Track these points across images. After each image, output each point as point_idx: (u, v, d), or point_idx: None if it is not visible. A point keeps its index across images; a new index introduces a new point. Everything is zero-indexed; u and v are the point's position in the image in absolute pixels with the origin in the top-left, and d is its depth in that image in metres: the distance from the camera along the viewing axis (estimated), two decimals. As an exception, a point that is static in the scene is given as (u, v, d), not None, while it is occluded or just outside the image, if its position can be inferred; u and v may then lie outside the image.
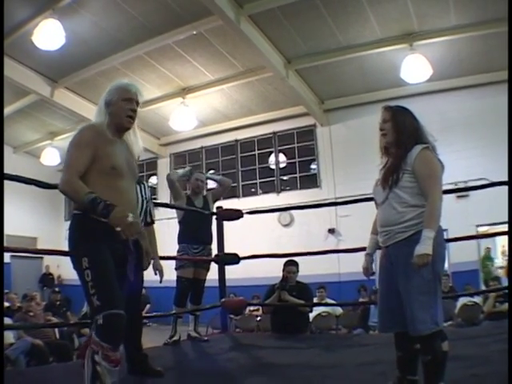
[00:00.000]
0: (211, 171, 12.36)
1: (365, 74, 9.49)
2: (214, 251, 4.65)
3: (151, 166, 13.36)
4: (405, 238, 2.21)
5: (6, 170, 2.85)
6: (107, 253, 2.00)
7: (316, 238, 10.18)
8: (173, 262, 4.32)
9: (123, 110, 2.19)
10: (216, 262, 4.65)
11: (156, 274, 2.84)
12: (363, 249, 2.60)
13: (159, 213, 5.04)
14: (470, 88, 9.44)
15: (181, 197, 4.56)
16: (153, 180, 13.48)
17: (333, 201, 8.92)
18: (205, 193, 4.85)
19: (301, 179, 11.55)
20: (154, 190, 12.77)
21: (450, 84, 9.51)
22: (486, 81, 9.14)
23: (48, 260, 12.93)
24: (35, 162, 12.44)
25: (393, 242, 2.26)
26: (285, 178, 12.11)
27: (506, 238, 5.38)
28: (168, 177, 4.63)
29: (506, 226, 3.57)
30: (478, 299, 6.83)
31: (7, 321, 5.59)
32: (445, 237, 2.35)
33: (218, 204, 4.88)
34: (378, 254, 2.48)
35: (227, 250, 4.78)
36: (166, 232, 5.70)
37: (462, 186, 7.35)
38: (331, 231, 10.50)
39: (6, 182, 2.95)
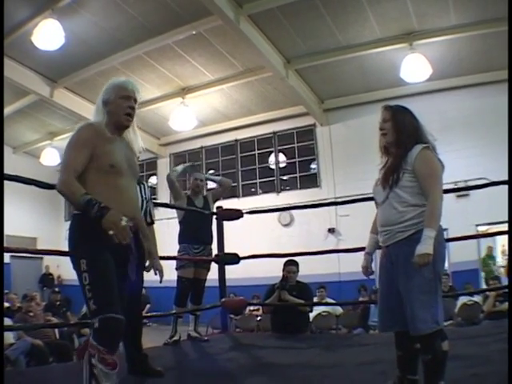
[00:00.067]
0: (211, 171, 12.38)
1: (364, 74, 9.49)
2: (214, 251, 4.66)
3: (151, 166, 13.36)
4: (405, 238, 2.21)
5: (6, 170, 2.84)
6: (107, 254, 1.98)
7: (316, 238, 10.18)
8: (173, 262, 4.31)
9: (121, 108, 2.18)
10: (216, 262, 4.65)
11: (156, 274, 2.84)
12: (363, 248, 2.60)
13: (159, 213, 5.04)
14: (469, 87, 9.45)
15: (181, 197, 4.56)
16: (153, 180, 13.48)
17: (333, 200, 8.91)
18: (205, 193, 4.86)
19: (301, 179, 11.55)
20: (153, 190, 12.77)
21: (449, 83, 9.51)
22: (486, 80, 9.14)
23: (48, 260, 12.92)
24: (35, 162, 12.43)
25: (393, 242, 2.26)
26: (285, 177, 12.12)
27: (505, 237, 5.37)
28: (168, 177, 4.63)
29: (506, 225, 3.57)
30: (477, 298, 6.83)
31: (7, 321, 5.59)
32: (445, 236, 2.35)
33: (217, 204, 4.88)
34: (378, 253, 2.48)
35: (227, 249, 4.77)
36: (166, 232, 5.70)
37: (461, 185, 7.34)
38: (331, 231, 10.50)
39: (6, 182, 2.95)
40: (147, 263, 2.36)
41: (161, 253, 3.42)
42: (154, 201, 4.52)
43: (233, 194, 11.38)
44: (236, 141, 12.20)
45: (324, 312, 7.09)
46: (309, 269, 6.17)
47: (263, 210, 6.34)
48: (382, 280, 2.38)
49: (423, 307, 2.11)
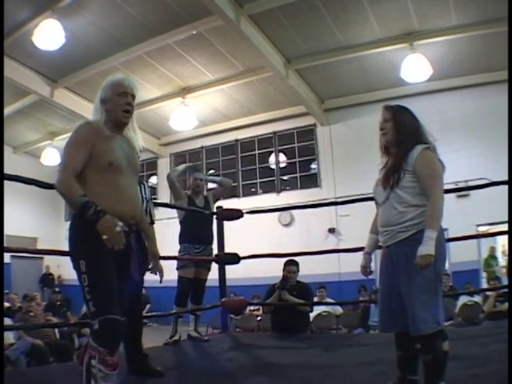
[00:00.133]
0: (211, 171, 12.39)
1: (365, 74, 9.49)
2: (215, 251, 4.66)
3: (151, 166, 13.37)
4: (406, 238, 2.21)
5: (6, 170, 2.84)
6: (107, 254, 1.95)
7: (316, 238, 10.18)
8: (173, 262, 4.31)
9: (118, 105, 2.16)
10: (216, 262, 4.65)
11: (156, 274, 2.85)
12: (363, 248, 2.60)
13: (159, 213, 5.04)
14: (470, 88, 9.45)
15: (181, 196, 4.56)
16: (153, 180, 13.48)
17: (333, 200, 8.91)
18: (205, 193, 4.85)
19: (301, 179, 11.55)
20: (154, 189, 12.77)
21: (450, 83, 9.52)
22: (487, 80, 9.14)
23: (48, 260, 12.92)
24: (35, 162, 12.44)
25: (394, 242, 2.26)
26: (285, 177, 12.12)
27: (506, 237, 5.37)
28: (168, 177, 4.63)
29: (506, 225, 3.57)
30: (478, 299, 6.83)
31: (7, 321, 5.59)
32: (445, 236, 2.35)
33: (218, 204, 4.88)
34: (378, 253, 2.48)
35: (227, 249, 4.78)
36: (167, 232, 5.69)
37: (462, 185, 7.34)
38: (331, 231, 10.50)
39: (6, 182, 2.94)
40: (151, 265, 2.34)
41: (161, 253, 3.42)
42: (155, 201, 4.52)
43: (233, 193, 11.38)
44: (236, 141, 12.20)
45: (324, 312, 7.09)
46: (309, 269, 6.17)
47: (263, 209, 6.34)
48: (383, 280, 2.38)
49: (424, 307, 2.11)
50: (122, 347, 2.80)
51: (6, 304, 7.41)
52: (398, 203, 2.24)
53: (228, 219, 4.85)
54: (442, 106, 9.49)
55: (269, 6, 7.25)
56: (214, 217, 4.72)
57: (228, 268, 4.79)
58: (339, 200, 7.55)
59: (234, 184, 9.80)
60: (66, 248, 2.12)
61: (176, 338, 4.18)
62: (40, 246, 12.03)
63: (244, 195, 11.99)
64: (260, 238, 10.29)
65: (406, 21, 7.67)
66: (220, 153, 12.47)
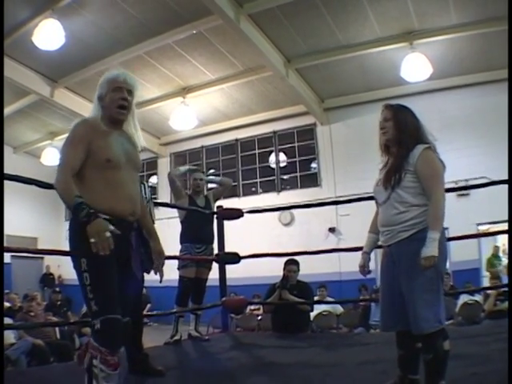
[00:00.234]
0: (211, 170, 12.39)
1: (365, 73, 9.49)
2: (215, 250, 4.65)
3: (151, 166, 13.36)
4: (407, 237, 2.21)
5: (6, 170, 2.84)
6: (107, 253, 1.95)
7: (316, 237, 10.17)
8: (173, 262, 4.31)
9: (113, 101, 2.13)
10: (216, 262, 4.65)
11: (156, 274, 2.85)
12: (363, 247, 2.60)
13: (159, 212, 5.04)
14: (470, 86, 9.44)
15: (182, 196, 4.56)
16: (153, 179, 13.49)
17: (333, 200, 8.89)
18: (206, 192, 4.85)
19: (301, 178, 11.55)
20: (154, 189, 12.77)
21: (450, 82, 9.51)
22: (487, 79, 9.13)
23: (48, 260, 12.92)
24: (35, 162, 12.42)
25: (395, 241, 2.26)
26: (285, 177, 12.11)
27: (506, 236, 5.37)
28: (169, 175, 4.64)
29: (507, 224, 3.57)
30: (478, 298, 6.83)
31: (8, 321, 5.59)
32: (446, 235, 2.36)
33: (218, 203, 4.88)
34: (378, 253, 2.48)
35: (228, 249, 4.77)
36: (167, 231, 5.66)
37: (462, 184, 7.34)
38: (332, 230, 10.50)
39: (6, 182, 2.94)
40: (155, 264, 2.30)
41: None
42: (155, 200, 4.53)
43: (233, 193, 11.37)
44: (236, 140, 12.20)
45: (325, 311, 7.09)
46: (309, 268, 6.17)
47: (264, 209, 6.33)
48: (384, 280, 2.38)
49: (426, 306, 2.11)
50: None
51: (7, 304, 7.41)
52: (399, 203, 2.24)
53: (228, 219, 4.85)
54: (442, 104, 9.49)
55: (268, 5, 7.25)
56: (215, 216, 4.72)
57: (228, 267, 4.79)
58: (339, 199, 7.55)
59: (234, 183, 9.79)
60: (67, 248, 2.12)
61: (177, 337, 4.18)
62: (40, 246, 12.04)
63: (244, 195, 11.99)
64: (260, 237, 10.29)
65: (405, 20, 7.67)
66: (220, 152, 12.46)
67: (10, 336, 5.52)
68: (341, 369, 3.00)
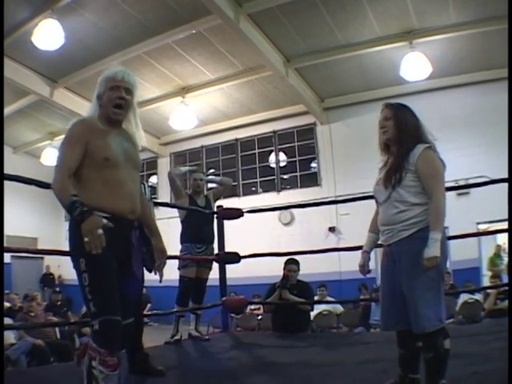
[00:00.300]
0: (211, 170, 12.39)
1: (364, 72, 9.49)
2: (216, 250, 4.65)
3: (151, 166, 13.36)
4: (408, 236, 2.21)
5: (6, 170, 2.84)
6: (107, 252, 1.92)
7: (316, 237, 10.17)
8: (173, 262, 4.31)
9: (110, 100, 2.11)
10: (217, 261, 4.65)
11: (156, 274, 2.85)
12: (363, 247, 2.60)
13: (159, 212, 5.04)
14: (470, 85, 9.43)
15: (182, 195, 4.56)
16: (153, 179, 13.49)
17: (333, 199, 8.90)
18: (206, 192, 4.85)
19: (301, 178, 11.55)
20: (154, 189, 12.78)
21: (450, 81, 9.51)
22: (487, 78, 9.12)
23: (48, 260, 12.92)
24: (35, 162, 12.42)
25: (395, 240, 2.26)
26: (285, 176, 12.11)
27: (505, 235, 5.37)
28: (169, 174, 4.65)
29: (506, 223, 3.57)
30: (478, 296, 6.83)
31: (8, 321, 5.60)
32: (446, 234, 2.35)
33: (218, 203, 4.88)
34: (378, 252, 2.48)
35: (228, 248, 4.77)
36: (167, 231, 5.65)
37: (462, 183, 7.34)
38: (332, 229, 10.51)
39: (6, 183, 2.94)
40: (157, 262, 2.26)
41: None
42: (155, 200, 4.53)
43: (233, 193, 11.38)
44: (236, 140, 12.20)
45: (325, 311, 7.09)
46: (309, 268, 6.17)
47: (264, 208, 6.34)
48: (384, 279, 2.38)
49: (427, 305, 2.11)
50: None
51: (7, 304, 7.41)
52: (400, 202, 2.24)
53: (228, 218, 4.85)
54: (442, 104, 9.48)
55: (268, 4, 7.25)
56: (215, 216, 4.72)
57: (228, 267, 4.79)
58: (339, 199, 7.56)
59: (234, 183, 9.79)
60: (67, 248, 2.11)
61: (177, 337, 4.18)
62: (40, 246, 12.04)
63: (244, 194, 11.99)
64: (260, 237, 10.29)
65: (405, 19, 7.66)
66: (220, 152, 12.46)
67: (10, 336, 5.53)
68: (341, 368, 3.00)
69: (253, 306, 8.06)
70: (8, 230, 4.89)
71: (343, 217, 10.25)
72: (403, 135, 2.30)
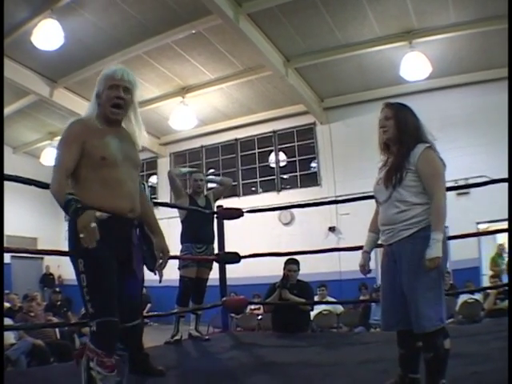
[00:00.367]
0: (211, 170, 12.39)
1: (364, 72, 9.49)
2: (216, 250, 4.65)
3: (151, 166, 13.36)
4: (409, 236, 2.21)
5: (6, 171, 2.84)
6: (106, 252, 1.93)
7: (316, 237, 10.17)
8: (173, 262, 4.30)
9: (108, 99, 2.08)
10: (217, 261, 4.65)
11: (155, 274, 2.85)
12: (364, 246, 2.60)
13: (159, 212, 5.02)
14: (471, 85, 9.43)
15: (182, 195, 4.56)
16: (153, 179, 13.48)
17: (333, 199, 8.90)
18: (206, 192, 4.85)
19: (301, 177, 11.55)
20: (154, 189, 12.78)
21: (450, 81, 9.50)
22: (488, 78, 9.11)
23: (48, 260, 12.91)
24: (35, 162, 12.42)
25: (396, 240, 2.26)
26: (285, 176, 12.12)
27: (505, 235, 5.37)
28: (169, 173, 4.65)
29: (506, 223, 3.57)
30: (478, 296, 6.83)
31: (8, 321, 5.59)
32: (446, 234, 2.35)
33: (218, 203, 4.88)
34: (378, 252, 2.48)
35: (228, 248, 4.77)
36: (167, 231, 5.64)
37: (462, 183, 7.34)
38: (332, 229, 10.51)
39: (6, 183, 2.94)
40: (160, 261, 2.23)
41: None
42: (155, 200, 4.53)
43: (233, 193, 11.38)
44: (236, 140, 12.20)
45: (325, 311, 7.09)
46: (309, 267, 6.17)
47: (264, 208, 6.34)
48: (385, 279, 2.38)
49: (428, 305, 2.12)
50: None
51: (7, 304, 7.40)
52: (401, 202, 2.24)
53: (228, 218, 4.85)
54: (442, 103, 9.47)
55: (267, 4, 7.24)
56: (215, 216, 4.72)
57: (228, 267, 4.79)
58: (339, 198, 7.55)
59: (234, 183, 9.80)
60: (66, 248, 2.10)
61: (178, 337, 4.18)
62: (40, 246, 12.02)
63: (244, 194, 11.99)
64: (260, 237, 10.29)
65: (404, 19, 7.66)
66: (220, 152, 12.46)
67: (10, 336, 5.52)
68: (341, 368, 3.00)
69: (253, 306, 8.05)
70: (8, 230, 4.90)
71: (343, 217, 10.25)
72: (403, 135, 2.30)
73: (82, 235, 1.80)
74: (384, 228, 2.33)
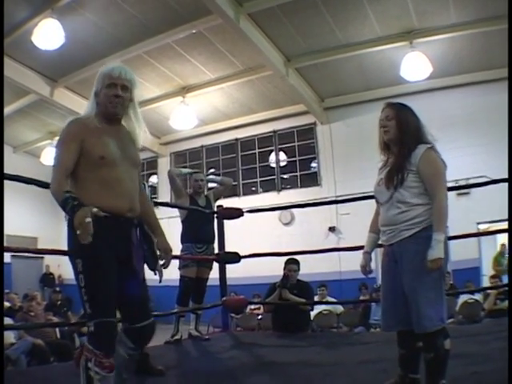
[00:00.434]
0: (211, 170, 12.38)
1: (364, 72, 9.49)
2: (216, 250, 4.65)
3: (151, 165, 13.36)
4: (410, 236, 2.21)
5: (6, 170, 2.84)
6: (105, 252, 1.92)
7: (317, 237, 10.16)
8: (173, 261, 4.29)
9: (106, 98, 2.06)
10: (217, 261, 4.65)
11: (155, 274, 2.85)
12: (364, 247, 2.59)
13: (160, 212, 5.00)
14: (471, 85, 9.43)
15: (182, 195, 4.56)
16: (153, 179, 13.49)
17: (333, 199, 8.90)
18: (206, 192, 4.85)
19: (301, 177, 11.56)
20: (154, 189, 12.79)
21: (450, 81, 9.51)
22: (488, 78, 9.11)
23: (48, 260, 12.92)
24: (35, 162, 12.41)
25: (397, 240, 2.25)
26: (285, 176, 12.12)
27: (505, 235, 5.36)
28: (169, 172, 4.64)
29: (507, 223, 3.57)
30: (478, 296, 6.82)
31: (8, 321, 5.59)
32: (447, 234, 2.35)
33: (218, 203, 4.88)
34: (378, 252, 2.48)
35: (228, 248, 4.77)
36: (167, 231, 5.64)
37: (462, 183, 7.33)
38: (332, 229, 10.51)
39: (7, 182, 2.93)
40: (162, 261, 2.22)
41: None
42: (155, 200, 4.53)
43: (233, 192, 11.38)
44: (236, 140, 12.20)
45: (325, 310, 7.09)
46: (310, 267, 6.17)
47: (264, 208, 6.34)
48: (385, 279, 2.37)
49: (429, 305, 2.11)
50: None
51: (7, 304, 7.41)
52: (402, 203, 2.24)
53: (228, 218, 4.84)
54: (442, 103, 9.47)
55: (268, 4, 7.24)
56: (215, 216, 4.71)
57: (228, 267, 4.79)
58: (339, 198, 7.56)
59: (234, 183, 9.80)
60: (66, 248, 2.10)
61: (178, 336, 4.18)
62: (40, 246, 12.02)
63: (244, 194, 11.99)
64: (260, 236, 10.29)
65: (405, 19, 7.66)
66: (220, 152, 12.46)
67: (9, 336, 5.52)
68: (341, 368, 3.00)
69: (253, 306, 8.05)
70: (8, 230, 4.90)
71: (343, 217, 10.25)
72: (405, 136, 2.29)
73: (78, 232, 1.76)
74: (385, 228, 2.32)
